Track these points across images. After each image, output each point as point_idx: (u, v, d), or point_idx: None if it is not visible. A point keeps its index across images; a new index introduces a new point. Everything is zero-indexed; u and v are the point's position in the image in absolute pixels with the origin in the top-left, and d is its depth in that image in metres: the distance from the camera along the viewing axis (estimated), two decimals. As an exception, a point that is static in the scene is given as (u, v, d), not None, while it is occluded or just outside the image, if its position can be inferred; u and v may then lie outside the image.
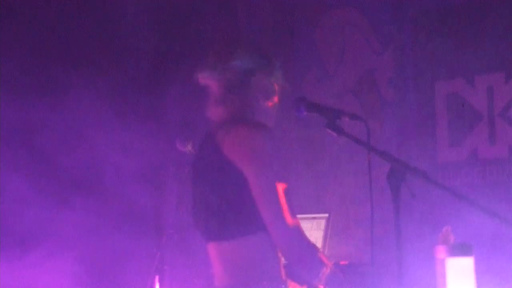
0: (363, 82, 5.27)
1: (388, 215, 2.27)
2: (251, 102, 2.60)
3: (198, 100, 2.65)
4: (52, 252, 4.87)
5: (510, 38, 4.69)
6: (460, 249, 2.02)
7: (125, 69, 5.46)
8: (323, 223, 4.56)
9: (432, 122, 4.97)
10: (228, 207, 2.49)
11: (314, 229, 4.56)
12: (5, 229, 4.72)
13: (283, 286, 2.51)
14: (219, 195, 2.50)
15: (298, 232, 2.44)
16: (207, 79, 2.64)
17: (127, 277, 5.07)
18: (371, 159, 2.37)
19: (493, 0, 4.80)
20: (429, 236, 2.32)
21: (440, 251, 2.02)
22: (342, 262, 4.57)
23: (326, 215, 4.60)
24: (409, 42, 5.08)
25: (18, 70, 4.82)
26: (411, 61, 5.07)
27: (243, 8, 5.77)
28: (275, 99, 2.63)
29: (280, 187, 2.43)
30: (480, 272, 2.05)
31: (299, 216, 2.67)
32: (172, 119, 5.57)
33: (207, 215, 2.55)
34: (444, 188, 2.30)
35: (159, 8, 5.56)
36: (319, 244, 4.73)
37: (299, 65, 5.47)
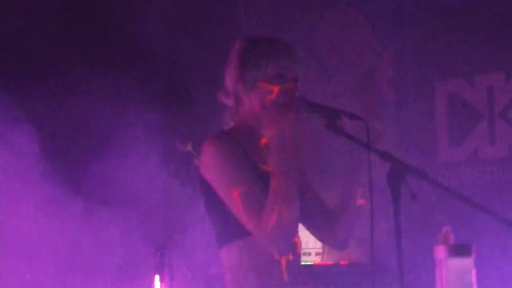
0: (363, 82, 5.27)
1: (387, 215, 2.27)
2: (250, 110, 2.63)
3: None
4: (52, 249, 4.87)
5: (510, 38, 4.69)
6: (460, 249, 2.02)
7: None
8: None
9: (432, 122, 4.97)
10: (210, 219, 2.61)
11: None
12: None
13: None
14: (205, 207, 2.61)
15: (263, 229, 2.43)
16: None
17: (127, 276, 5.07)
18: (371, 159, 2.37)
19: (493, 0, 4.80)
20: (429, 236, 2.31)
21: (440, 251, 2.02)
22: (342, 262, 4.58)
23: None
24: (409, 42, 5.08)
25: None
26: (411, 61, 5.07)
27: (242, 7, 5.77)
28: (268, 97, 2.57)
29: (236, 192, 2.47)
30: (480, 272, 2.05)
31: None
32: (170, 120, 5.57)
33: None
34: (444, 188, 2.30)
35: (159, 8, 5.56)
36: (319, 244, 4.73)
37: (299, 65, 5.47)
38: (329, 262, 4.70)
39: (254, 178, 2.50)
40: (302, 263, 3.47)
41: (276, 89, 2.57)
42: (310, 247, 4.76)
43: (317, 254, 4.77)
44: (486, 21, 4.77)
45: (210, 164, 2.54)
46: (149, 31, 5.41)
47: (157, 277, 4.21)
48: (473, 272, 2.01)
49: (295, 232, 2.51)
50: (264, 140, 2.63)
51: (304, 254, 4.72)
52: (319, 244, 4.73)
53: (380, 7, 5.19)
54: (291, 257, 2.57)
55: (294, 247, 2.59)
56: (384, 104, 5.15)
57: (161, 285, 4.22)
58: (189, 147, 4.02)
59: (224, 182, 2.50)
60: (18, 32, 4.96)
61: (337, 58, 5.40)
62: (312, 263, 4.73)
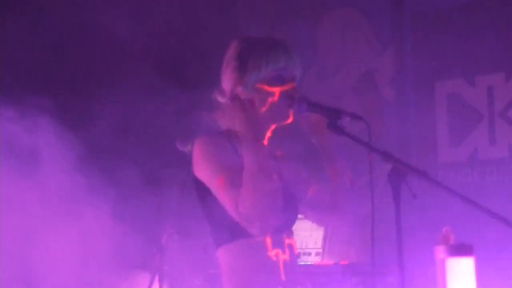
0: (363, 82, 5.27)
1: (388, 215, 2.27)
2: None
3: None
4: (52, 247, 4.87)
5: (510, 38, 4.69)
6: (460, 249, 2.02)
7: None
8: (323, 223, 4.56)
9: (432, 122, 4.97)
10: (207, 219, 2.61)
11: (314, 229, 4.55)
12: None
13: None
14: (201, 208, 2.62)
15: (243, 208, 2.43)
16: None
17: (127, 276, 5.07)
18: (372, 159, 2.37)
19: (493, 0, 4.80)
20: (429, 236, 2.32)
21: (440, 251, 2.02)
22: (342, 262, 4.57)
23: (326, 215, 4.59)
24: (409, 42, 5.08)
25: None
26: (411, 61, 5.07)
27: (243, 8, 5.77)
28: (269, 99, 2.57)
29: (220, 179, 2.48)
30: (480, 272, 2.06)
31: (299, 217, 2.72)
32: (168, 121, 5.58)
33: None
34: (444, 188, 2.30)
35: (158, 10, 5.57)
36: (319, 244, 4.73)
37: (299, 65, 5.47)
38: (329, 262, 4.69)
39: (240, 166, 2.50)
40: (302, 263, 3.47)
41: (276, 91, 2.58)
42: (310, 247, 4.75)
43: (317, 254, 4.77)
44: (486, 21, 4.77)
45: (198, 161, 2.56)
46: (149, 32, 5.42)
47: (157, 277, 4.21)
48: (473, 272, 2.01)
49: (273, 211, 2.46)
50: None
51: (304, 254, 4.72)
52: (319, 244, 4.73)
53: (380, 7, 5.20)
54: (288, 257, 2.57)
55: (290, 248, 2.60)
56: (384, 104, 5.16)
57: (160, 285, 4.22)
58: (189, 147, 4.02)
59: (210, 173, 2.51)
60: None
61: (337, 58, 5.40)
62: (312, 263, 4.73)
